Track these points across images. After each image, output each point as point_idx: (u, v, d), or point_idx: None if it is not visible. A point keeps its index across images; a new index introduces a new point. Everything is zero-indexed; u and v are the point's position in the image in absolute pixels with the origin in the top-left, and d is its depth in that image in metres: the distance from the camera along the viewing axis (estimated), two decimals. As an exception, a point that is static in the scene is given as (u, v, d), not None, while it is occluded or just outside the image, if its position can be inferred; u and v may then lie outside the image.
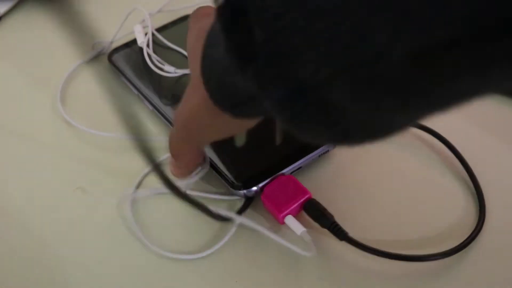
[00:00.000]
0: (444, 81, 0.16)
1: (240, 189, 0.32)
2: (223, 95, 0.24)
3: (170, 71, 0.38)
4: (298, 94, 0.18)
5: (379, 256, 0.29)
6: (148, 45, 0.40)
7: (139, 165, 0.35)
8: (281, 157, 0.33)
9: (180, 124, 0.28)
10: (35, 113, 0.39)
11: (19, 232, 0.32)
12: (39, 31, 0.45)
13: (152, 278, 0.30)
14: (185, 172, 0.32)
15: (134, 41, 0.41)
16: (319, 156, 0.34)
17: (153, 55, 0.39)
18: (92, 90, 0.40)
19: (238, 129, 0.28)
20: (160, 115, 0.37)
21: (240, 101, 0.23)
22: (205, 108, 0.25)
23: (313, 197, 0.31)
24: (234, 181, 0.32)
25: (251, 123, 0.27)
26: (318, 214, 0.30)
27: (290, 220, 0.31)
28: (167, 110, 0.36)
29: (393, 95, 0.17)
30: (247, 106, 0.23)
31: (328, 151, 0.34)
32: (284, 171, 0.32)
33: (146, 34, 0.41)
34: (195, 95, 0.26)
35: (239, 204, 0.32)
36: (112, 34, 0.42)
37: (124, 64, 0.40)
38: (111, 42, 0.42)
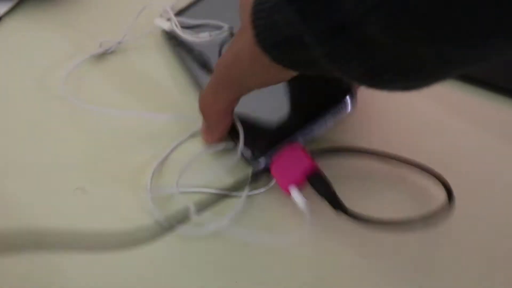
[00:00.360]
0: (468, 12, 0.17)
1: (250, 160, 0.32)
2: (268, 32, 0.25)
3: (205, 36, 0.38)
4: (337, 29, 0.20)
5: (372, 225, 0.29)
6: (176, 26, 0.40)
7: (143, 162, 0.35)
8: (292, 126, 0.33)
9: (222, 68, 0.29)
10: (36, 113, 0.39)
11: (18, 231, 0.32)
12: (39, 31, 0.45)
13: (152, 279, 0.30)
14: (216, 136, 0.33)
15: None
16: (333, 121, 0.33)
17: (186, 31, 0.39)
18: (93, 89, 0.40)
19: (275, 78, 0.29)
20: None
21: (283, 39, 0.24)
22: (248, 51, 0.27)
23: (325, 166, 0.31)
24: (245, 152, 0.32)
25: (286, 74, 0.28)
26: (319, 184, 0.30)
27: (294, 192, 0.30)
28: None
29: (420, 27, 0.18)
30: (286, 48, 0.25)
31: (342, 111, 0.33)
32: (294, 137, 0.32)
33: (168, 19, 0.41)
34: (241, 38, 0.27)
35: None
36: (120, 34, 0.42)
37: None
38: (119, 43, 0.42)
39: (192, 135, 0.36)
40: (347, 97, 0.33)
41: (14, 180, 0.35)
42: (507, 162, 0.36)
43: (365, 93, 0.37)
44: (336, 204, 0.30)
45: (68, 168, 0.35)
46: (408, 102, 0.38)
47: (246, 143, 0.32)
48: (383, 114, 0.38)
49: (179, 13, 0.42)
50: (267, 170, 0.32)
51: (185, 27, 0.41)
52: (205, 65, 0.38)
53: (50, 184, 0.34)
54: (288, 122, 0.33)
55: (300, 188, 0.30)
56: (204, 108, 0.31)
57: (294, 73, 0.29)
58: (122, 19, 0.43)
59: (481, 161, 0.35)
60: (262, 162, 0.32)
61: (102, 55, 0.42)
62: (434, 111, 0.38)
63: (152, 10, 0.43)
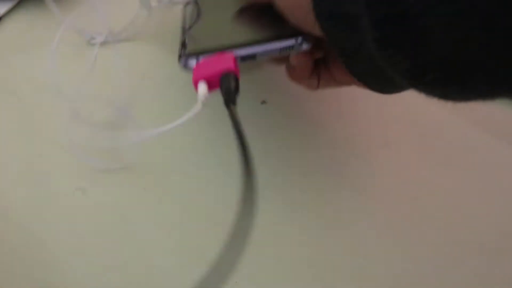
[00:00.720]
0: None
1: (180, 58, 0.31)
2: (328, 1, 0.25)
3: None
4: (397, 16, 0.20)
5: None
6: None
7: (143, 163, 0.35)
8: (240, 41, 0.32)
9: None
10: (36, 113, 0.39)
11: (18, 232, 0.32)
12: (39, 31, 0.45)
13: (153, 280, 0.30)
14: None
15: None
16: (280, 51, 0.32)
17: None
18: (95, 88, 0.40)
19: (301, 26, 0.29)
20: None
21: (340, 13, 0.25)
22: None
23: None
24: (184, 52, 0.31)
25: (314, 32, 0.28)
26: (227, 80, 0.29)
27: (201, 86, 0.29)
28: None
29: (482, 28, 0.18)
30: (339, 23, 0.25)
31: (292, 47, 0.32)
32: (233, 52, 0.31)
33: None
34: None
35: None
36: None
37: None
38: (102, 42, 0.42)
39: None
40: (300, 38, 0.32)
41: (14, 181, 0.35)
42: (507, 162, 0.35)
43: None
44: (230, 99, 0.28)
45: (66, 169, 0.35)
46: (410, 102, 0.38)
47: (186, 41, 0.32)
48: (385, 113, 0.38)
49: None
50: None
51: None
52: None
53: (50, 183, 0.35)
54: (234, 35, 0.32)
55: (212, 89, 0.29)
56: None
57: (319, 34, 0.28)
58: (123, 18, 0.43)
59: (481, 161, 0.35)
60: (189, 61, 0.31)
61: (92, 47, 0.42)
62: (434, 111, 0.38)
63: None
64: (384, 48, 0.22)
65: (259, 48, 0.31)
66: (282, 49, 0.32)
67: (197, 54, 0.31)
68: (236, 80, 0.29)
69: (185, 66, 0.31)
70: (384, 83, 0.28)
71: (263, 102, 0.39)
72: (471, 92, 0.21)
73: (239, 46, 0.31)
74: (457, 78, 0.21)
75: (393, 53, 0.22)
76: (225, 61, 0.30)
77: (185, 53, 0.31)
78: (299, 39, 0.31)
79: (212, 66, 0.29)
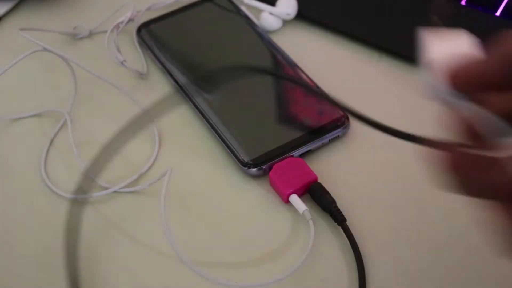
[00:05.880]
0: None
1: (249, 167, 0.33)
2: None
3: None
4: None
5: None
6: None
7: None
8: (291, 139, 0.34)
9: None
10: (36, 113, 0.39)
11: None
12: (39, 32, 0.45)
13: None
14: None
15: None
16: (329, 140, 0.35)
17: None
18: (95, 87, 0.40)
19: None
20: (181, 91, 0.38)
21: None
22: None
23: (319, 180, 0.33)
24: (245, 159, 0.33)
25: None
26: (321, 197, 0.32)
27: (294, 199, 0.32)
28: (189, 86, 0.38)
29: None
30: None
31: (338, 136, 0.35)
32: (293, 153, 0.34)
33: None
34: None
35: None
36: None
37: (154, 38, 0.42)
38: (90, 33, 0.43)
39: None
40: (345, 124, 0.35)
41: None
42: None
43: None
44: (337, 218, 0.31)
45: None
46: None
47: (245, 147, 0.34)
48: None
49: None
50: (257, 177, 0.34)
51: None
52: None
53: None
54: (289, 138, 0.34)
55: (299, 196, 0.32)
56: None
57: None
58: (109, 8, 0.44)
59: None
60: (256, 171, 0.33)
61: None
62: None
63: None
64: None
65: (312, 144, 0.34)
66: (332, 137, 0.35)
67: (264, 161, 0.33)
68: (326, 191, 0.32)
69: (256, 174, 0.33)
70: None
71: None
72: None
73: (295, 147, 0.34)
74: None
75: None
76: (303, 171, 0.32)
77: (250, 161, 0.33)
78: (345, 126, 0.34)
79: (292, 176, 0.32)
